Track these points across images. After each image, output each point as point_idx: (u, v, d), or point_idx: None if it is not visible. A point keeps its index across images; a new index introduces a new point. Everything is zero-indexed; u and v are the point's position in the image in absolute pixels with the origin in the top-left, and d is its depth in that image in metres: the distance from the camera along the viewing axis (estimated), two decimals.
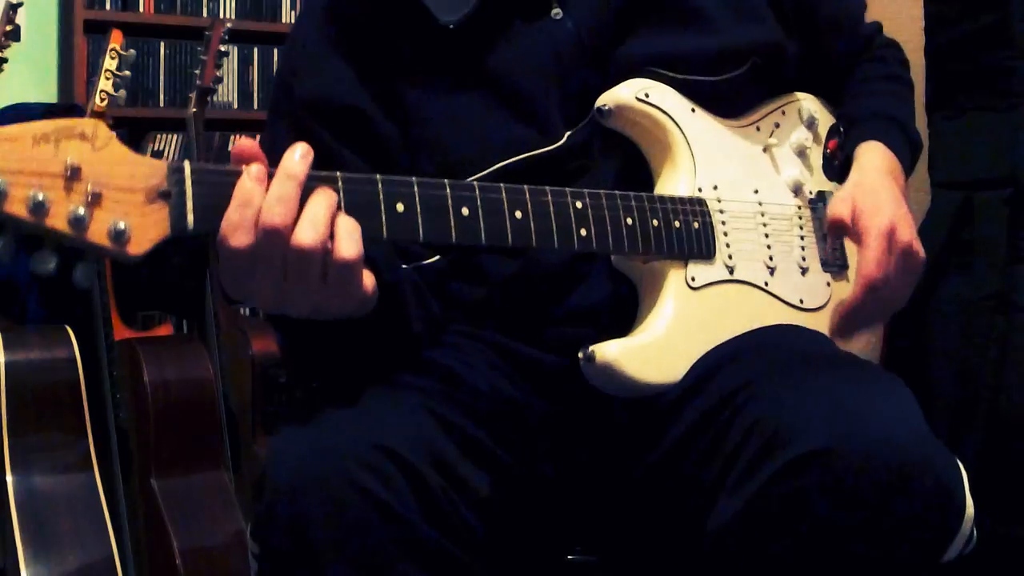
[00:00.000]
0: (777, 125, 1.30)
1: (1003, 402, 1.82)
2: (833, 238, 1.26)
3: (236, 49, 3.37)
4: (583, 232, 1.09)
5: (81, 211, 0.84)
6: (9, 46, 2.21)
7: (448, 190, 1.01)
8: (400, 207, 0.98)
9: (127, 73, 2.23)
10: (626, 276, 1.19)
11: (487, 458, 1.06)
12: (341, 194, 0.95)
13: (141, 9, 3.31)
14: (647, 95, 1.18)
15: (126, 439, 2.21)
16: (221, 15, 3.38)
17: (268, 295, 0.94)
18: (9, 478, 2.03)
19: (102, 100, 2.17)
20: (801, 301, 1.25)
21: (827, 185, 1.33)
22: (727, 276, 1.19)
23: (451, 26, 1.16)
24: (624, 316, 1.17)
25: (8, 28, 2.19)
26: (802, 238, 1.28)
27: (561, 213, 1.07)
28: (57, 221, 0.83)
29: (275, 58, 3.52)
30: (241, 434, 2.37)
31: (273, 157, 1.19)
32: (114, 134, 0.87)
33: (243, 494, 2.25)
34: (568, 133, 1.18)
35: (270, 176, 0.92)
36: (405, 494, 0.95)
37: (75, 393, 2.12)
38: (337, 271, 0.93)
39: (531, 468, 1.12)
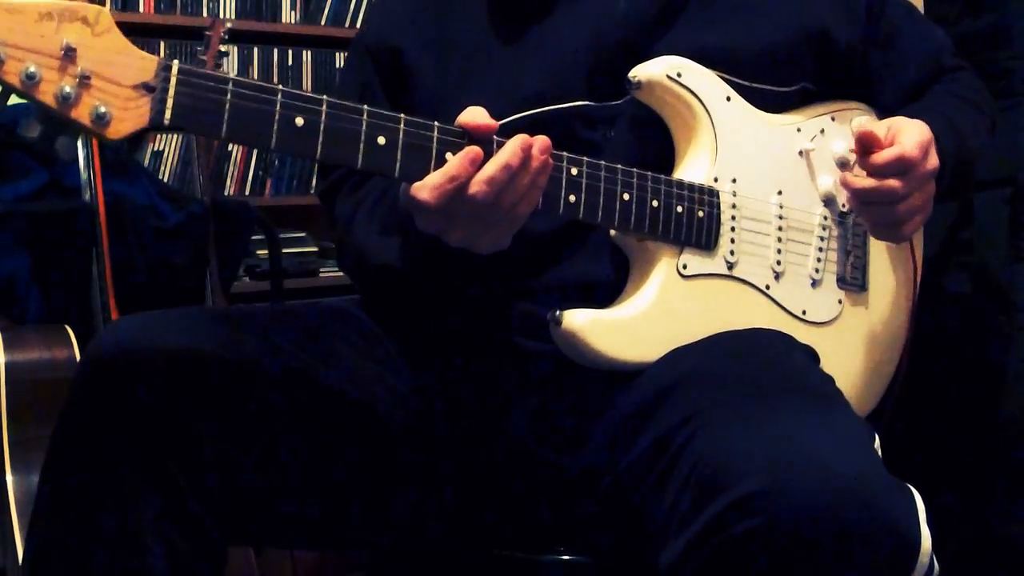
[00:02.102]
0: (822, 131, 1.26)
1: (1003, 402, 1.82)
2: (859, 153, 1.18)
3: (236, 49, 3.36)
4: (571, 198, 1.08)
5: (68, 90, 0.90)
6: None
7: (436, 132, 1.04)
8: (381, 140, 1.02)
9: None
10: (610, 259, 1.18)
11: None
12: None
13: (141, 9, 3.31)
14: (679, 74, 1.16)
15: None
16: (221, 15, 3.38)
17: (435, 228, 1.05)
18: (9, 478, 2.03)
19: None
20: (804, 312, 1.22)
21: None
22: (724, 271, 1.17)
23: None
24: (604, 297, 1.16)
25: None
26: (821, 250, 1.25)
27: (553, 176, 1.08)
28: (46, 97, 0.89)
29: (275, 58, 3.52)
30: None
31: (341, 84, 1.36)
32: (115, 24, 0.93)
33: None
34: (589, 102, 1.18)
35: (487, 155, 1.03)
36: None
37: None
38: (512, 222, 1.06)
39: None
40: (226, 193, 3.43)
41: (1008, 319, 1.84)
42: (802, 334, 1.20)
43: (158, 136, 3.31)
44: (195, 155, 2.42)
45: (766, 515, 0.88)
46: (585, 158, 1.10)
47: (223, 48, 2.54)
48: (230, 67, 3.39)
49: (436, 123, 1.03)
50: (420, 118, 1.04)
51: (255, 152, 3.51)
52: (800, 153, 1.24)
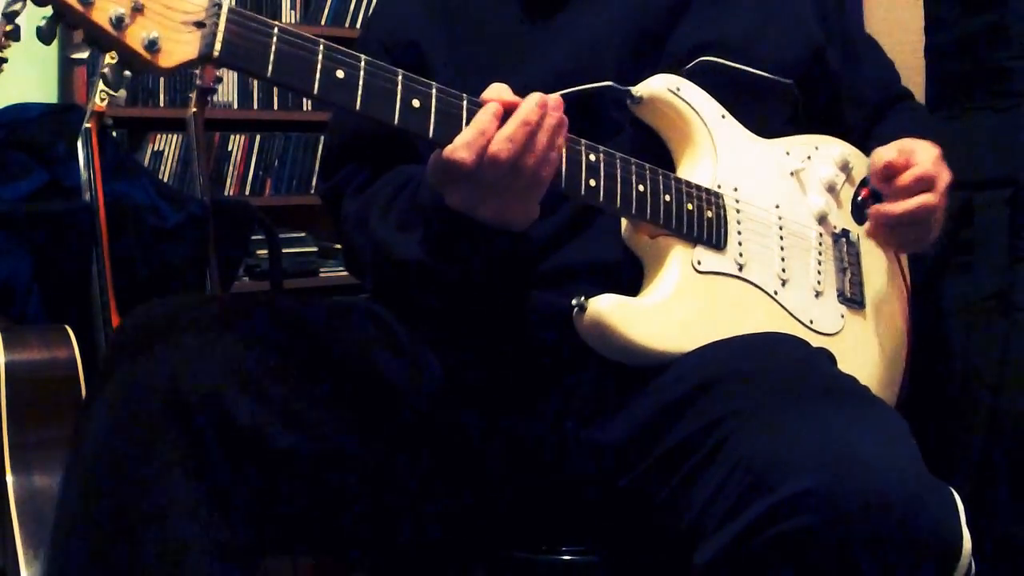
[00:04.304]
0: (809, 157, 1.29)
1: (1003, 402, 1.82)
2: (879, 180, 1.24)
3: None
4: (592, 183, 1.09)
5: (122, 11, 0.92)
6: (9, 46, 2.20)
7: (465, 101, 1.06)
8: (416, 103, 1.04)
9: (128, 73, 2.22)
10: (620, 249, 1.18)
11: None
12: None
13: None
14: (679, 89, 1.18)
15: None
16: None
17: (465, 198, 1.07)
18: (9, 478, 2.03)
19: (102, 100, 2.17)
20: (811, 321, 1.23)
21: (853, 226, 1.32)
22: (735, 271, 1.18)
23: None
24: (614, 282, 1.16)
25: (8, 28, 2.19)
26: (819, 263, 1.26)
27: (573, 160, 1.09)
28: (100, 16, 0.92)
29: None
30: None
31: None
32: None
33: None
34: (613, 84, 1.20)
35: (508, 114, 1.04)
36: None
37: (75, 393, 2.11)
38: (534, 186, 1.07)
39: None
40: (226, 193, 3.43)
41: (1008, 319, 1.84)
42: (813, 343, 1.20)
43: (158, 136, 3.31)
44: (195, 155, 2.43)
45: (817, 513, 0.90)
46: (600, 147, 1.11)
47: None
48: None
49: (465, 95, 1.06)
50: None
51: (255, 152, 3.50)
52: (791, 174, 1.26)
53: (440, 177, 1.07)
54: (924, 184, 1.20)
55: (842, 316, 1.27)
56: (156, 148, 3.31)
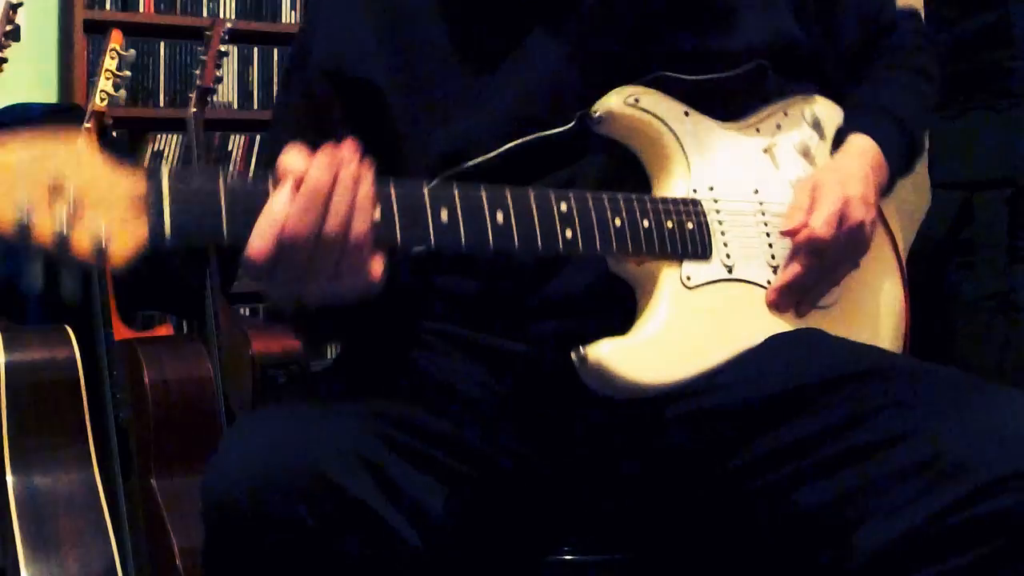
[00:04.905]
0: (779, 127, 1.28)
1: None
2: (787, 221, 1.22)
3: (236, 49, 3.37)
4: (568, 234, 1.07)
5: (64, 225, 0.84)
6: (9, 46, 2.21)
7: (426, 192, 1.00)
8: (376, 214, 0.98)
9: (127, 73, 2.23)
10: (609, 268, 1.18)
11: (438, 465, 1.05)
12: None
13: (141, 9, 3.31)
14: (637, 100, 1.18)
15: (126, 439, 2.21)
16: (221, 15, 3.39)
17: (287, 290, 0.97)
18: (9, 478, 2.03)
19: (102, 100, 2.17)
20: (808, 305, 1.24)
21: None
22: (725, 275, 1.18)
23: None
24: (607, 307, 1.16)
25: (8, 28, 2.19)
26: None
27: (545, 215, 1.06)
28: (42, 235, 0.84)
29: (275, 58, 3.53)
30: None
31: (284, 120, 1.21)
32: (95, 146, 0.88)
33: None
34: (578, 115, 1.17)
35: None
36: (335, 519, 0.96)
37: (75, 393, 2.12)
38: (351, 251, 0.96)
39: (513, 465, 1.12)
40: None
41: (1008, 319, 1.84)
42: (814, 320, 1.21)
43: (158, 136, 3.31)
44: (195, 155, 2.42)
45: (1016, 495, 0.93)
46: (571, 191, 1.09)
47: (223, 48, 2.54)
48: (230, 67, 3.40)
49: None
50: (397, 153, 1.05)
51: (255, 152, 3.51)
52: (764, 150, 1.26)
53: (252, 277, 0.97)
54: (810, 247, 1.17)
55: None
56: (156, 148, 3.31)
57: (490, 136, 1.14)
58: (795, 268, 1.17)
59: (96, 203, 0.86)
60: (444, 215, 1.01)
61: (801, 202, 1.19)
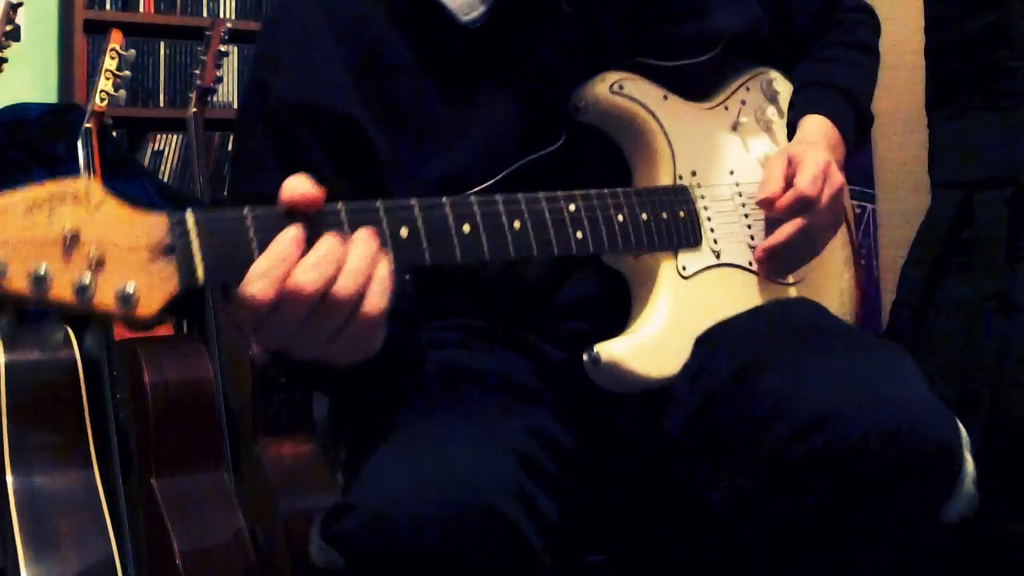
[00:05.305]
0: (743, 102, 1.31)
1: (1003, 402, 1.82)
2: (763, 206, 1.23)
3: (236, 49, 3.37)
4: (579, 235, 1.08)
5: (85, 279, 0.79)
6: (9, 46, 2.20)
7: (448, 208, 0.98)
8: (404, 232, 0.95)
9: (127, 73, 2.23)
10: (611, 271, 1.19)
11: (553, 479, 1.05)
12: (346, 226, 0.91)
13: (141, 9, 3.31)
14: (621, 87, 1.18)
15: (126, 439, 2.21)
16: (221, 15, 3.39)
17: (276, 340, 0.90)
18: (9, 478, 2.03)
19: (102, 100, 2.17)
20: (785, 275, 1.26)
21: None
22: (714, 261, 1.20)
23: (475, 25, 1.13)
24: (615, 307, 1.17)
25: (8, 28, 2.19)
26: None
27: (557, 219, 1.06)
28: (62, 292, 0.78)
29: None
30: (241, 434, 2.37)
31: (248, 166, 1.15)
32: (108, 192, 0.81)
33: (243, 494, 2.24)
34: (568, 131, 1.17)
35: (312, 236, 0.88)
36: (500, 552, 0.95)
37: (75, 393, 2.11)
38: (359, 326, 0.90)
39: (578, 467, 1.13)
40: (226, 193, 3.43)
41: (1008, 319, 1.84)
42: (792, 295, 1.26)
43: (158, 136, 3.31)
44: (195, 155, 2.42)
45: (836, 435, 0.95)
46: (577, 191, 1.09)
47: (223, 48, 2.54)
48: (230, 67, 3.40)
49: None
50: (379, 183, 1.04)
51: None
52: (734, 128, 1.28)
53: (239, 320, 0.94)
54: (799, 206, 1.18)
55: None
56: (156, 148, 3.31)
57: (481, 161, 1.14)
58: (786, 229, 1.19)
59: (116, 252, 0.81)
60: (467, 228, 0.99)
61: (775, 173, 1.21)
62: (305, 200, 0.88)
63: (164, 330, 2.86)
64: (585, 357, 1.10)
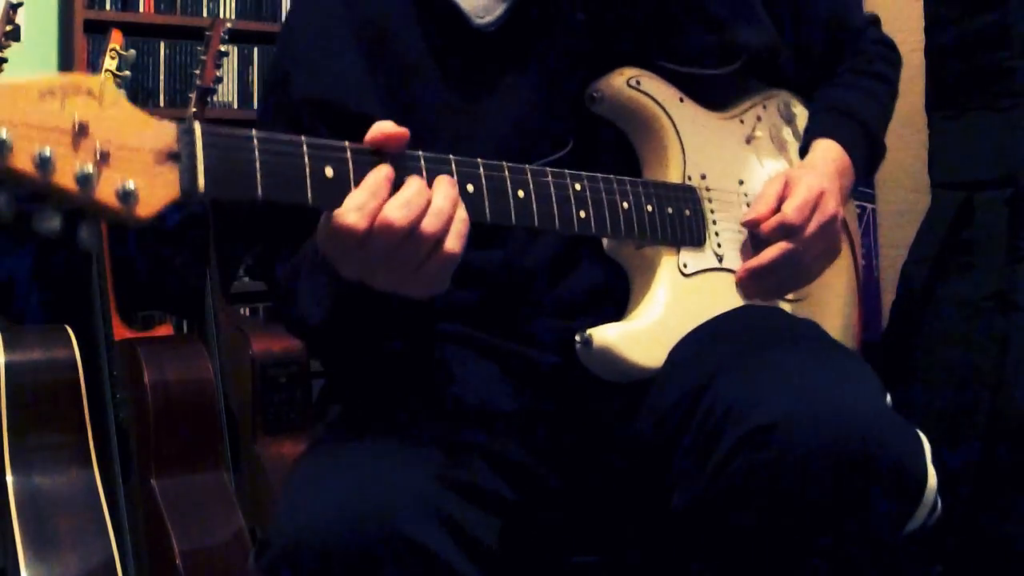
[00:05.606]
0: (759, 119, 1.31)
1: (1003, 402, 1.82)
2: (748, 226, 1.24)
3: (236, 49, 3.36)
4: (582, 214, 1.09)
5: (89, 168, 0.79)
6: (9, 46, 2.21)
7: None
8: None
9: (127, 73, 2.23)
10: (612, 266, 1.18)
11: (491, 498, 1.05)
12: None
13: (141, 9, 3.31)
14: (639, 82, 1.18)
15: (126, 439, 2.21)
16: (221, 15, 3.38)
17: (362, 269, 0.97)
18: (9, 478, 2.03)
19: None
20: (774, 299, 1.26)
21: None
22: (716, 264, 1.20)
23: (490, 29, 1.15)
24: (611, 305, 1.17)
25: (8, 28, 2.19)
26: None
27: (562, 195, 1.08)
28: (64, 178, 0.79)
29: None
30: (241, 434, 2.37)
31: None
32: (122, 92, 0.82)
33: (243, 494, 2.25)
34: (570, 147, 1.17)
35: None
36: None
37: (75, 393, 2.11)
38: (438, 261, 0.96)
39: (537, 478, 1.12)
40: None
41: (1008, 319, 1.84)
42: (789, 310, 1.24)
43: None
44: None
45: (779, 445, 0.93)
46: (583, 172, 1.10)
47: (223, 48, 2.54)
48: (230, 67, 3.39)
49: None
50: None
51: None
52: (747, 141, 1.28)
53: (328, 245, 0.97)
54: (781, 232, 1.17)
55: None
56: None
57: (495, 159, 1.13)
58: (769, 253, 1.18)
59: (122, 150, 0.82)
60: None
61: (768, 194, 1.21)
62: (394, 137, 0.96)
63: (164, 330, 2.86)
64: (577, 338, 1.10)
